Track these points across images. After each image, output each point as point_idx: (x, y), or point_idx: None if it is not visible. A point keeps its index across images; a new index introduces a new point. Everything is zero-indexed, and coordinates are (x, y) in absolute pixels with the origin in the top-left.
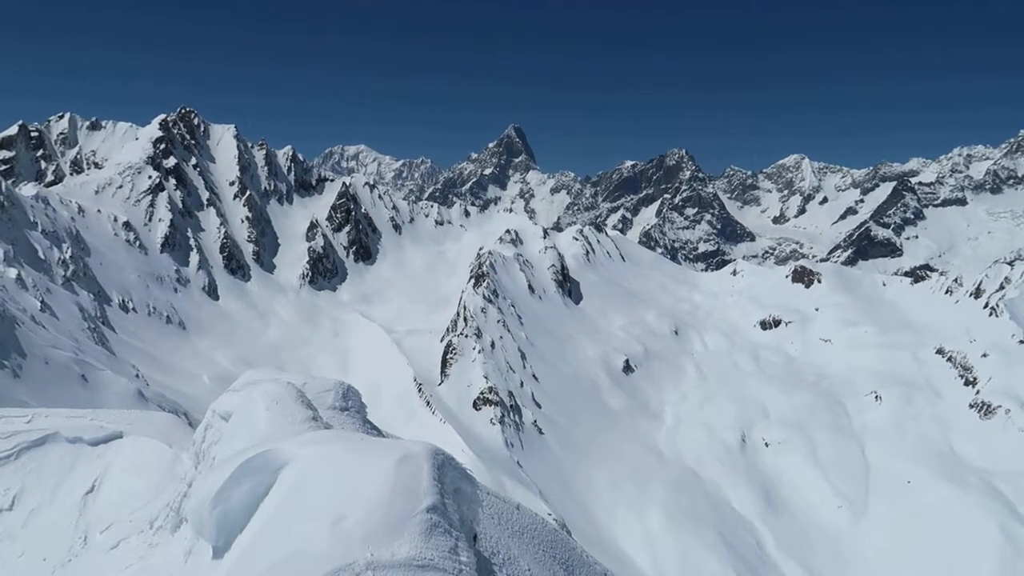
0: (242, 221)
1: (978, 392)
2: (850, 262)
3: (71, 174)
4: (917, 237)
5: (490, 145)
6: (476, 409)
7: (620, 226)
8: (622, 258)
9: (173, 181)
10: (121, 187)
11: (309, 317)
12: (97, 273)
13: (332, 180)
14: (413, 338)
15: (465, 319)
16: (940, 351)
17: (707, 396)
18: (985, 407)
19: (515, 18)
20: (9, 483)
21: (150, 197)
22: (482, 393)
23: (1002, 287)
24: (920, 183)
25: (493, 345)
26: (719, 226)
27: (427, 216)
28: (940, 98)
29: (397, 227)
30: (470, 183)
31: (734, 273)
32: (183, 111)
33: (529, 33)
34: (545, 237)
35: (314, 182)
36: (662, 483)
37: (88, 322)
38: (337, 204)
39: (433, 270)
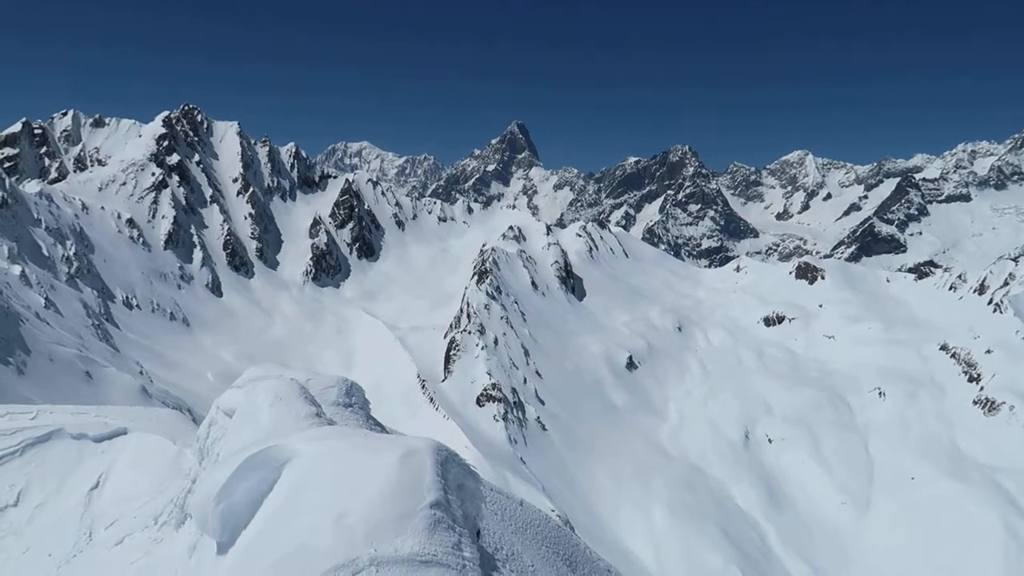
0: (245, 218)
1: (982, 388)
2: (854, 258)
3: (75, 171)
4: (921, 233)
5: (493, 141)
6: (479, 406)
7: (623, 223)
8: (625, 255)
9: (176, 178)
10: (124, 184)
11: (312, 314)
12: (101, 270)
13: (335, 177)
14: (416, 335)
15: (468, 316)
16: (944, 347)
17: (711, 392)
18: (989, 403)
19: (518, 15)
20: (14, 479)
21: (153, 194)
22: (485, 390)
23: (1006, 283)
24: (924, 179)
25: (496, 342)
26: (722, 222)
27: (430, 213)
28: (944, 94)
29: (400, 224)
30: (473, 179)
31: (737, 269)
32: (186, 108)
33: (532, 30)
34: (548, 234)
35: (317, 179)
36: (665, 479)
37: (92, 319)
38: (340, 201)
39: (436, 267)
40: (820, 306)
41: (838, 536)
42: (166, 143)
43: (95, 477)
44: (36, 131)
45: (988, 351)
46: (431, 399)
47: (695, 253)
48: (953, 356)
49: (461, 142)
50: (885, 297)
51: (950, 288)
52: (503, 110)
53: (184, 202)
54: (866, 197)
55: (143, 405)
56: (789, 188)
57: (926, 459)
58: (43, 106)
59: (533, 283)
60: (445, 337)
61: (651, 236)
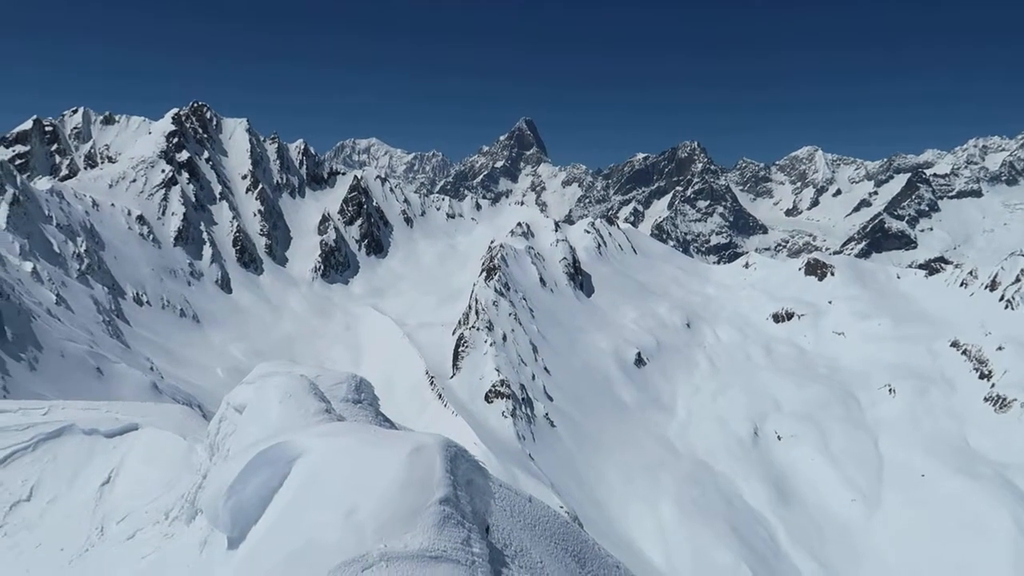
0: (254, 215)
1: (993, 385)
2: (864, 255)
3: (85, 168)
4: (932, 229)
5: (501, 138)
6: (488, 402)
7: (632, 219)
8: (634, 251)
9: (186, 175)
10: (135, 181)
11: (321, 310)
12: (111, 267)
13: (344, 174)
14: (425, 331)
15: (477, 312)
16: (955, 344)
17: (719, 389)
18: (1000, 400)
19: (527, 14)
20: (27, 474)
21: (163, 191)
22: (494, 386)
23: (1018, 279)
24: (935, 175)
25: (505, 338)
26: (731, 219)
27: (438, 209)
28: (955, 90)
29: (409, 220)
30: (481, 176)
31: (746, 266)
32: (195, 105)
33: (542, 29)
34: (556, 230)
35: (326, 175)
36: (674, 476)
37: (103, 315)
38: (349, 197)
39: (445, 263)
40: (829, 302)
41: (847, 533)
42: (176, 140)
43: (106, 472)
44: (47, 129)
45: (999, 348)
46: (440, 395)
47: (704, 249)
48: (964, 353)
49: (470, 138)
50: (895, 293)
51: (961, 284)
52: (511, 107)
53: (194, 199)
54: (876, 193)
55: (153, 401)
56: (799, 184)
57: (936, 456)
58: (54, 104)
59: (541, 279)
60: (453, 333)
61: (660, 232)
